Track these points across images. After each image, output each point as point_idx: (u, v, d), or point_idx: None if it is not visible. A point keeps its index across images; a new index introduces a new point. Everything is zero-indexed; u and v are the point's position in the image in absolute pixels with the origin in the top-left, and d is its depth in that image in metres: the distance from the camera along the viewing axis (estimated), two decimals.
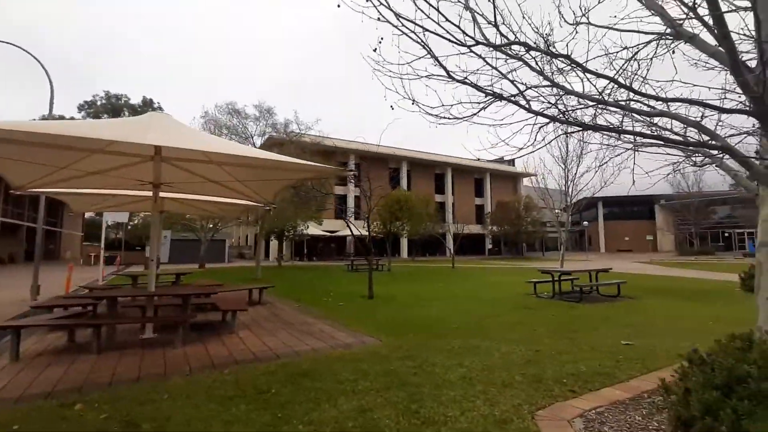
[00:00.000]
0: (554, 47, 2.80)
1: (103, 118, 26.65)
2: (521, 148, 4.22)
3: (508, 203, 39.25)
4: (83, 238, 51.22)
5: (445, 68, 3.24)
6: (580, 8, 3.33)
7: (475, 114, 4.04)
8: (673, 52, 3.64)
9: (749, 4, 3.08)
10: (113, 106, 32.84)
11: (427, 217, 25.09)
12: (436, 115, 4.41)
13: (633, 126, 4.04)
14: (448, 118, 4.44)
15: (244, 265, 28.41)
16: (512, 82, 3.27)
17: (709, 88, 3.34)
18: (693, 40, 3.23)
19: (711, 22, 2.74)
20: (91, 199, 8.47)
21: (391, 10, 2.89)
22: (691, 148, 3.24)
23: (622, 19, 3.52)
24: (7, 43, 10.52)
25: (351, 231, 9.71)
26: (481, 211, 46.68)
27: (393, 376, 3.76)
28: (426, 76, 3.39)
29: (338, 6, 3.60)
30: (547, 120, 3.46)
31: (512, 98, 3.16)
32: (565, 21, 3.30)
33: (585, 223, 36.25)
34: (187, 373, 3.96)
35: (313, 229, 28.68)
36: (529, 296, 9.55)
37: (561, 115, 3.17)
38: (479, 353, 4.55)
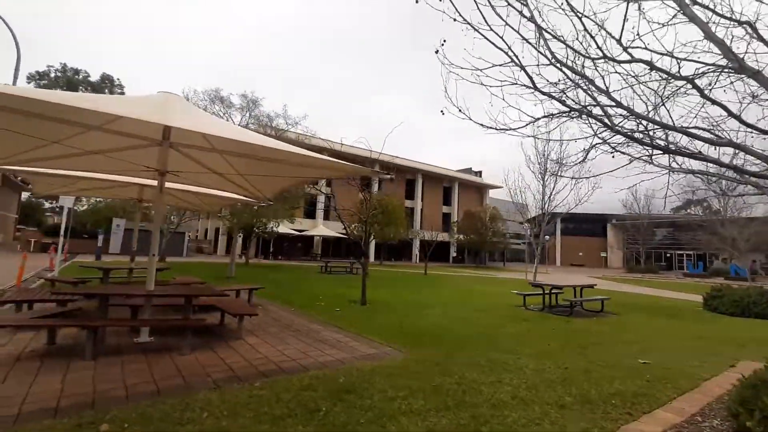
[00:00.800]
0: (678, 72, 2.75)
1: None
2: (585, 162, 4.20)
3: (475, 213, 40.23)
4: (17, 220, 46.38)
5: (531, 79, 3.15)
6: (637, 33, 3.36)
7: (524, 126, 4.00)
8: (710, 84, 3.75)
9: None
10: (69, 81, 29.99)
11: (403, 222, 25.13)
12: (483, 125, 4.33)
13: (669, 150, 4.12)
14: (496, 129, 4.36)
15: (205, 260, 26.98)
16: (599, 104, 3.23)
17: None
18: (757, 76, 3.33)
19: None
20: (60, 180, 7.58)
21: (526, 12, 2.73)
22: (753, 178, 3.34)
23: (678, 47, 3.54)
24: None
25: (347, 232, 9.41)
26: (448, 219, 47.52)
27: (442, 394, 3.58)
28: (517, 84, 3.27)
29: (416, 2, 3.44)
30: (623, 140, 3.46)
31: (598, 116, 3.12)
32: (619, 43, 3.31)
33: (547, 237, 37.87)
34: (213, 386, 3.56)
35: (283, 227, 27.77)
36: (518, 308, 9.72)
37: (645, 137, 3.17)
38: (511, 369, 4.47)
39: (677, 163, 4.17)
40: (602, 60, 2.95)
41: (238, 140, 4.28)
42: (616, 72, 3.49)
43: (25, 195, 46.29)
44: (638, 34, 3.33)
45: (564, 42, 3.07)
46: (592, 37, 3.09)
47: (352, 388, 3.61)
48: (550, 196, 17.06)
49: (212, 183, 7.34)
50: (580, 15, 2.85)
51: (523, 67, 3.11)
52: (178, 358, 4.34)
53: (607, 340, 6.54)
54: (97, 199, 35.56)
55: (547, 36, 3.08)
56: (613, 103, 3.44)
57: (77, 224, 38.08)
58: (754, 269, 34.46)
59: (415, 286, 14.80)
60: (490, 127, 4.40)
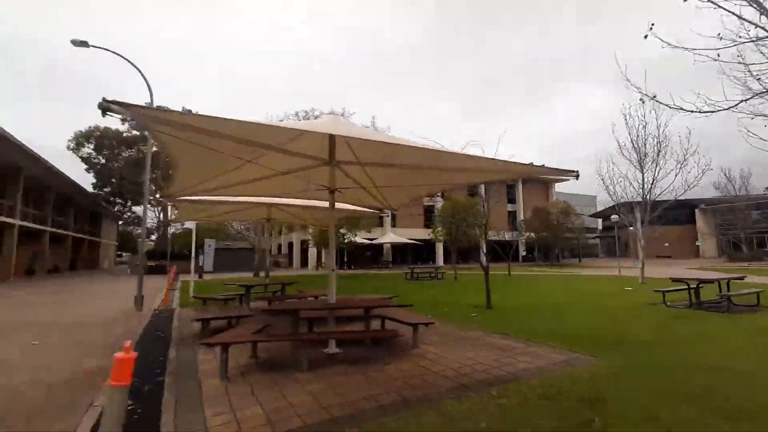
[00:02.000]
0: None
1: None
2: None
3: (544, 209, 38.36)
4: (117, 247, 51.80)
5: None
6: None
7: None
8: None
9: None
10: None
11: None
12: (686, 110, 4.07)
13: None
14: (699, 112, 4.11)
15: (287, 273, 28.20)
16: None
17: None
18: None
19: None
20: (204, 206, 8.18)
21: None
22: None
23: None
24: (108, 50, 10.50)
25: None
26: (513, 218, 45.89)
27: (706, 399, 3.31)
28: None
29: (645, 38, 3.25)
30: None
31: None
32: None
33: (615, 217, 35.27)
34: (452, 395, 3.58)
35: (359, 237, 28.35)
36: (656, 305, 8.99)
37: None
38: (746, 373, 4.07)
39: None
40: None
41: (424, 149, 4.30)
42: None
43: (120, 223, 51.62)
44: None
45: None
46: None
47: (596, 396, 3.46)
48: (652, 183, 15.84)
49: (346, 196, 7.57)
50: None
51: None
52: (385, 368, 4.46)
53: None
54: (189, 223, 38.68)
55: None
56: None
57: (171, 247, 41.72)
58: None
59: (518, 288, 14.22)
60: (692, 111, 4.16)
